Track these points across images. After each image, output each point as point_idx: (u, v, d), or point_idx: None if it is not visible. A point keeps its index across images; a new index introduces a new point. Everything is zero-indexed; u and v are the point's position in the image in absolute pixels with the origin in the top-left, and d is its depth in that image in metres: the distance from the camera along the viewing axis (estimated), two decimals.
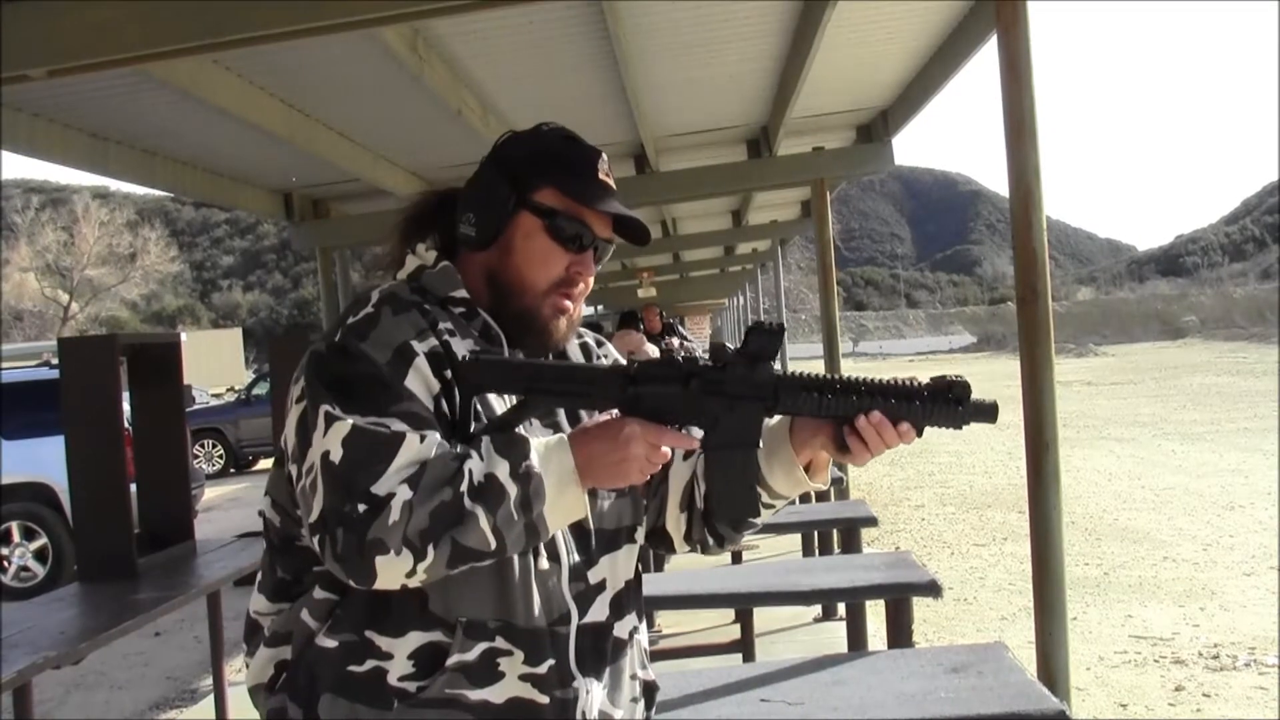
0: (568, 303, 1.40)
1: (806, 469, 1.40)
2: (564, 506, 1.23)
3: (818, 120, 7.22)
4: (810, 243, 12.10)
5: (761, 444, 1.33)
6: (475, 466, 1.20)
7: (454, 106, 5.11)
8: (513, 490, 1.19)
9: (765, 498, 1.41)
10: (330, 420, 1.22)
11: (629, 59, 5.04)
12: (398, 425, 1.22)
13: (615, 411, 1.30)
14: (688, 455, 1.48)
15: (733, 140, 7.71)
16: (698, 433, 1.33)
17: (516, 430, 1.27)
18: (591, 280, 1.43)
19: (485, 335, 1.38)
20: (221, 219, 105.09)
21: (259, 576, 1.42)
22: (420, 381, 1.27)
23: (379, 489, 1.18)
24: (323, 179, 7.23)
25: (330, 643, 1.29)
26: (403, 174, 7.14)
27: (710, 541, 1.50)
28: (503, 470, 1.20)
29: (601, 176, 1.39)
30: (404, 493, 1.17)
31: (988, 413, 1.29)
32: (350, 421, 1.21)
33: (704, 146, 7.75)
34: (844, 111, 7.24)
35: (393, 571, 1.17)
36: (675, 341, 11.62)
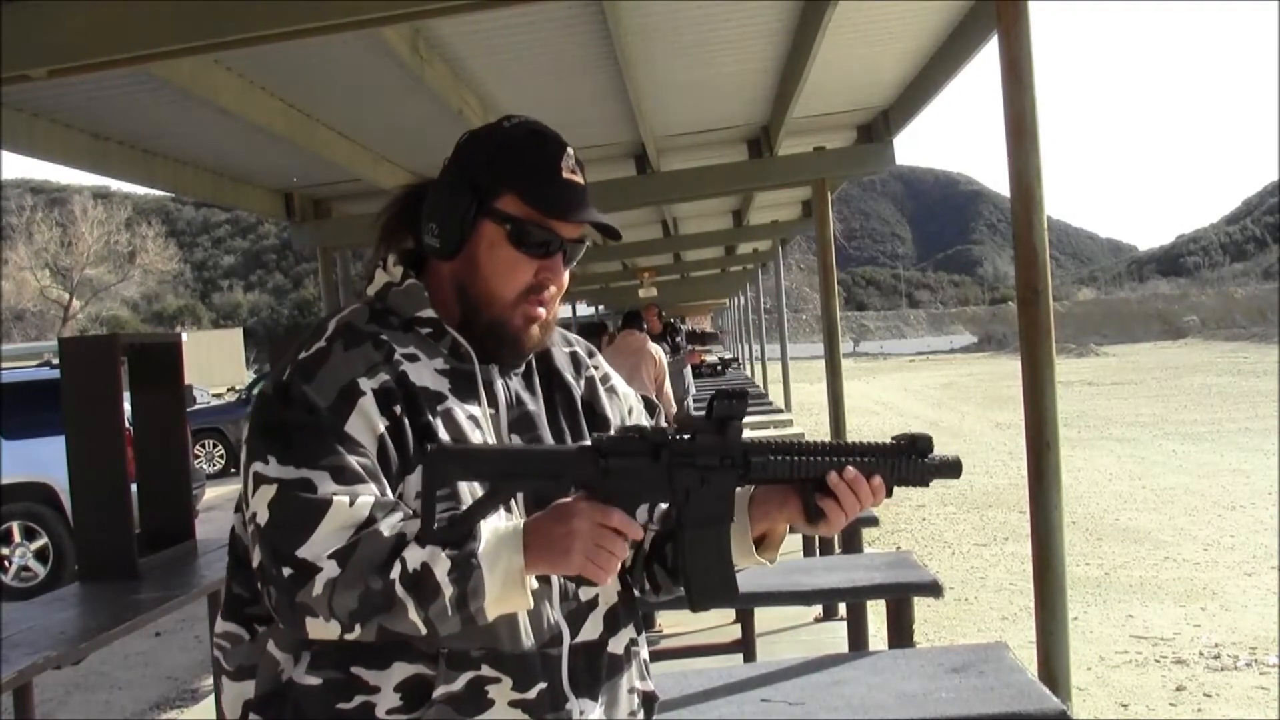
0: (540, 309, 1.35)
1: (759, 541, 1.37)
2: (508, 603, 1.20)
3: (818, 120, 7.21)
4: (811, 242, 12.10)
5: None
6: (411, 556, 1.17)
7: (455, 106, 5.10)
8: (449, 590, 1.16)
9: None
10: (259, 481, 1.22)
11: (630, 59, 5.04)
12: (327, 486, 1.19)
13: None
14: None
15: (733, 140, 7.70)
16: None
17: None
18: (565, 282, 1.37)
19: (454, 353, 1.34)
20: (222, 219, 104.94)
21: (222, 596, 1.40)
22: (363, 424, 1.23)
23: (304, 554, 1.17)
24: (323, 179, 7.24)
25: (314, 680, 1.26)
26: (403, 174, 7.13)
27: (646, 587, 1.46)
28: (441, 569, 1.17)
29: (566, 175, 1.32)
30: (331, 569, 1.16)
31: (952, 467, 1.30)
32: (275, 486, 1.20)
33: (705, 146, 7.75)
34: (845, 111, 7.24)
35: (323, 633, 1.19)
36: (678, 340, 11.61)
